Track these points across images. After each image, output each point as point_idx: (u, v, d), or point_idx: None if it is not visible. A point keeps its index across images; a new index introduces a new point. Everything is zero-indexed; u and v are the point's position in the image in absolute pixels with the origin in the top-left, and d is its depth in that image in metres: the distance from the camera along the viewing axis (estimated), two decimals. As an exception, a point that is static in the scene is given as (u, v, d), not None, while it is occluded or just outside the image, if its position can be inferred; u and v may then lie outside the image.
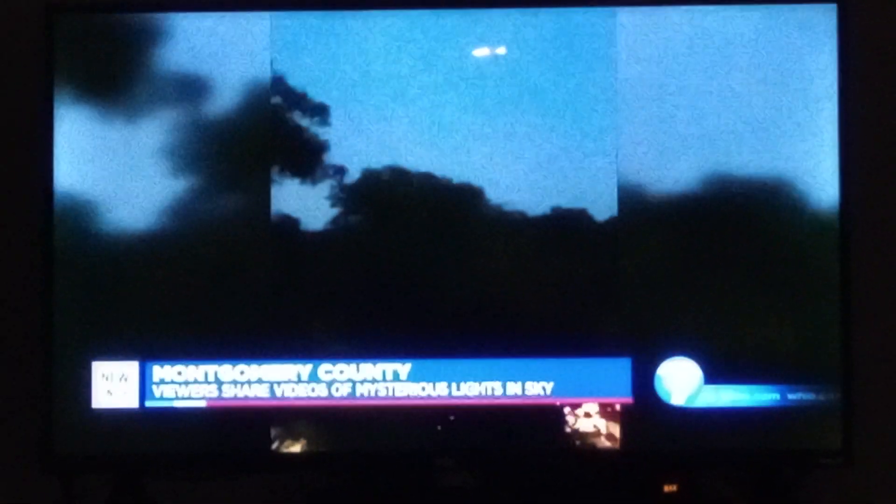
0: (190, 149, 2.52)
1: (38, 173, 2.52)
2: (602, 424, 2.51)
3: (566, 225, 2.51)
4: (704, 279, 2.51)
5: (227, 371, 2.51)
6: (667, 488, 2.53)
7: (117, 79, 2.52)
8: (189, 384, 2.51)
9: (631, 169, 2.50)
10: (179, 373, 2.51)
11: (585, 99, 2.50)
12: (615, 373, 2.50)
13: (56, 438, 2.50)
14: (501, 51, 2.51)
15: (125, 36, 2.53)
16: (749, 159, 2.50)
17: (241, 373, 2.51)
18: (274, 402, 2.52)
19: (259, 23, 2.52)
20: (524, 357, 2.51)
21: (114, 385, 2.52)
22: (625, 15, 2.51)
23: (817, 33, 2.50)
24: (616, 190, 2.50)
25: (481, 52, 2.51)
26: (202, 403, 2.52)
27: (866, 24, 2.58)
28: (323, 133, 2.52)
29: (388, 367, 2.51)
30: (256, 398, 2.52)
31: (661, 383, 2.51)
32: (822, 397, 2.50)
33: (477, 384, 2.51)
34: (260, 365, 2.51)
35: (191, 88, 2.52)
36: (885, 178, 2.66)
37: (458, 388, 2.51)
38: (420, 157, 2.51)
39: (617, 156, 2.50)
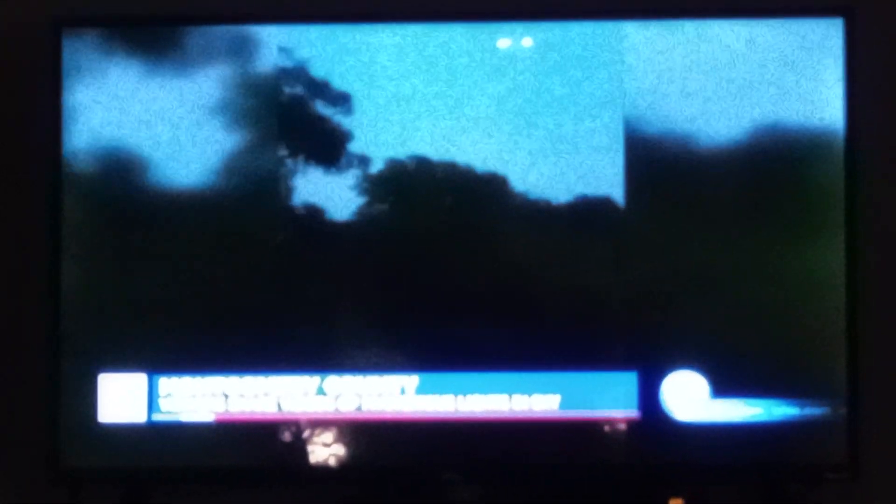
0: (199, 161, 2.52)
1: (46, 185, 2.53)
2: (608, 438, 2.51)
3: (572, 239, 2.51)
4: (711, 292, 2.51)
5: (234, 384, 2.51)
6: (672, 502, 2.53)
7: (129, 92, 2.53)
8: (196, 397, 2.52)
9: (635, 184, 2.51)
10: (187, 386, 2.51)
11: (594, 100, 2.52)
12: (621, 386, 2.51)
13: (63, 451, 2.51)
14: (522, 50, 2.53)
15: (139, 45, 2.54)
16: (752, 171, 2.51)
17: (249, 386, 2.51)
18: (281, 416, 2.52)
19: (275, 28, 2.54)
20: (531, 371, 2.51)
21: (121, 398, 2.52)
22: (632, 27, 2.52)
23: (823, 46, 2.51)
24: (623, 202, 2.51)
25: (502, 50, 2.53)
26: (210, 417, 2.52)
27: (872, 37, 2.59)
28: (340, 144, 2.53)
29: (396, 379, 2.51)
30: (264, 412, 2.52)
31: (667, 397, 2.51)
32: (827, 411, 2.50)
33: (483, 398, 2.51)
34: (267, 377, 2.51)
35: (206, 95, 2.53)
36: (893, 190, 2.67)
37: (465, 402, 2.51)
38: (420, 172, 2.53)
39: (623, 169, 2.51)
